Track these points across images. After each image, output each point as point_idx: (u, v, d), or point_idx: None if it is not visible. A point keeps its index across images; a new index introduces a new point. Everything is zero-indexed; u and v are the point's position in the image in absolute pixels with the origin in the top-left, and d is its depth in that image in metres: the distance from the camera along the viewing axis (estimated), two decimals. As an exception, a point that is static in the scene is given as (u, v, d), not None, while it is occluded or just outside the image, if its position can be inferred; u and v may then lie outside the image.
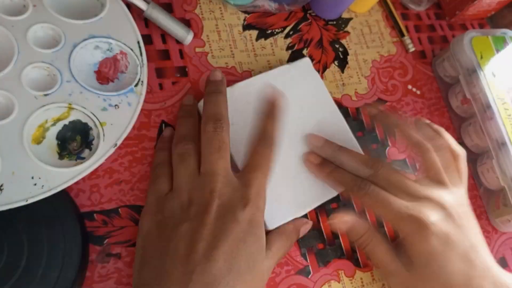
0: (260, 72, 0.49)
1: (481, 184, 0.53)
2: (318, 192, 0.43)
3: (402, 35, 0.59)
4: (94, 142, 0.37)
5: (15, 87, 0.35)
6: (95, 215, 0.38)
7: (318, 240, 0.44)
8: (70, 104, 0.36)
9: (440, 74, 0.58)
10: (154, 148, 0.42)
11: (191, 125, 0.39)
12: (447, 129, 0.46)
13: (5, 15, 0.36)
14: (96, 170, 0.37)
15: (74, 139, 0.37)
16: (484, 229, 0.53)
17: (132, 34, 0.41)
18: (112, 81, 0.40)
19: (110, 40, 0.39)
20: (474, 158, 0.53)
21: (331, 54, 0.54)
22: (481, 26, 0.66)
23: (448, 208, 0.38)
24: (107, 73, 0.40)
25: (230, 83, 0.47)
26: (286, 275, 0.42)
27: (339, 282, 0.44)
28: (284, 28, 0.53)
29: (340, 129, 0.46)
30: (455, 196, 0.40)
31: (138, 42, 0.41)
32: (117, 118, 0.38)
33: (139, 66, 0.40)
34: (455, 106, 0.56)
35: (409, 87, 0.57)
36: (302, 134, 0.44)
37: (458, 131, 0.56)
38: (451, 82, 0.57)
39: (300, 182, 0.43)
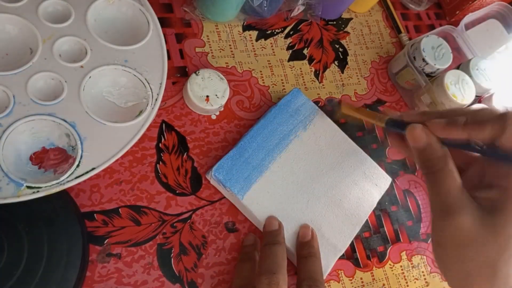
0: (261, 71, 0.49)
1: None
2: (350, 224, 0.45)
3: (399, 32, 0.59)
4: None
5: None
6: (95, 215, 0.38)
7: (318, 240, 0.45)
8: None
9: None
10: (154, 148, 0.42)
11: (248, 272, 0.39)
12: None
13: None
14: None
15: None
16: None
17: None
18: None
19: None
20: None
21: (331, 54, 0.54)
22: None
23: None
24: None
25: (231, 82, 0.47)
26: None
27: (339, 282, 0.44)
28: (284, 28, 0.53)
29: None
30: None
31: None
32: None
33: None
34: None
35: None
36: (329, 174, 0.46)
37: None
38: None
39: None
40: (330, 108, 0.49)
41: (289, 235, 0.41)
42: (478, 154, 0.33)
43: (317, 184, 0.44)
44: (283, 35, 0.53)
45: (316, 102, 0.51)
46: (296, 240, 0.41)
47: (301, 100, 0.47)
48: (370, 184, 0.46)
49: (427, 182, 0.32)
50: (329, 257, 0.42)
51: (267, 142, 0.44)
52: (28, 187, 0.32)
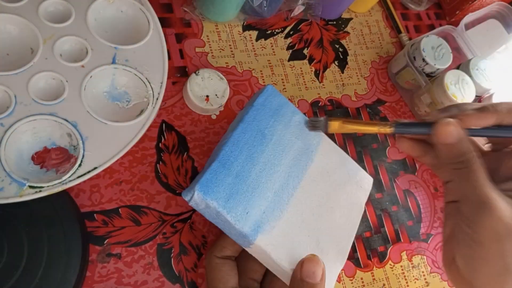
0: (261, 71, 0.49)
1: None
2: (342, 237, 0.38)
3: (399, 32, 0.59)
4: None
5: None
6: (95, 215, 0.38)
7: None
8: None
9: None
10: (154, 148, 0.42)
11: None
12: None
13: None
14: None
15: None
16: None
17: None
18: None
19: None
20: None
21: (332, 54, 0.54)
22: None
23: None
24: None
25: (231, 82, 0.47)
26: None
27: (339, 282, 0.44)
28: (284, 28, 0.53)
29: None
30: None
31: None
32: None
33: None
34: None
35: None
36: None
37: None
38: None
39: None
40: (312, 128, 0.39)
41: (286, 254, 0.34)
42: (486, 150, 0.33)
43: (309, 195, 0.37)
44: (283, 35, 0.53)
45: (317, 102, 0.51)
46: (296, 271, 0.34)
47: (278, 99, 0.39)
48: (356, 187, 0.41)
49: (458, 179, 0.30)
50: (332, 271, 0.36)
51: (255, 151, 0.36)
52: (31, 186, 0.32)
